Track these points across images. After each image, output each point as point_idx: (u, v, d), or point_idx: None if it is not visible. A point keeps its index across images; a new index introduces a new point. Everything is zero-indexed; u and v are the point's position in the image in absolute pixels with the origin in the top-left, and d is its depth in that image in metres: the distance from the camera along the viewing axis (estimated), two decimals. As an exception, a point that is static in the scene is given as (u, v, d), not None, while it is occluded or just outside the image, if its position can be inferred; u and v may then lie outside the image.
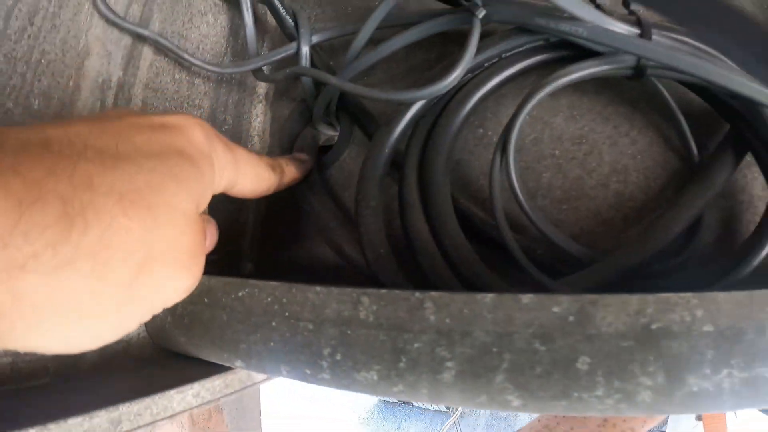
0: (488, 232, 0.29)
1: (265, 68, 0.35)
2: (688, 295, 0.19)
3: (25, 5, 0.27)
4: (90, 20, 0.29)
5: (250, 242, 0.36)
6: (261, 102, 0.38)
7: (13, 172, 0.14)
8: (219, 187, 0.23)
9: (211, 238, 0.24)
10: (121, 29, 0.30)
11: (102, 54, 0.30)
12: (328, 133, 0.36)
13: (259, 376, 0.32)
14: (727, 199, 0.31)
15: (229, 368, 0.29)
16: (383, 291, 0.22)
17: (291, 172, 0.29)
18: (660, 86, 0.29)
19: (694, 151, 0.30)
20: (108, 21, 0.30)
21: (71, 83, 0.28)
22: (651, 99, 0.30)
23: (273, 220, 0.36)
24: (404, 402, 2.07)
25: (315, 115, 0.34)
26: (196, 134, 0.21)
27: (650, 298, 0.20)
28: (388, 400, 2.11)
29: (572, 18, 0.24)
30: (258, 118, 0.38)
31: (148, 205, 0.18)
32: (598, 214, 0.30)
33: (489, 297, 0.20)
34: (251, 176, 0.25)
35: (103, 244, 0.16)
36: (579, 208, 0.30)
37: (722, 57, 0.28)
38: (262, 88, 0.38)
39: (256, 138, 0.38)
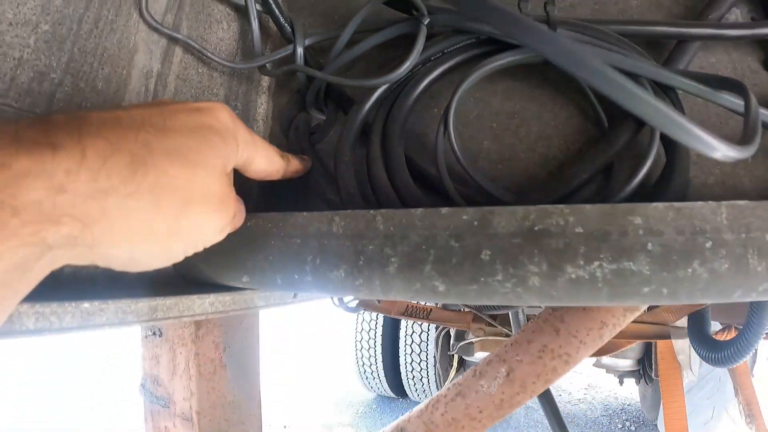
0: (438, 185, 0.40)
1: (268, 65, 0.47)
2: (562, 206, 0.30)
3: (91, 13, 0.39)
4: (137, 25, 0.41)
5: (255, 203, 0.47)
6: (265, 92, 0.50)
7: (98, 136, 0.23)
8: (241, 158, 0.32)
9: (240, 215, 0.34)
10: (160, 33, 0.42)
11: (146, 51, 0.42)
12: (319, 117, 0.48)
13: (258, 302, 0.42)
14: (637, 157, 0.41)
15: (237, 289, 0.39)
16: (349, 211, 0.32)
17: (295, 164, 0.38)
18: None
19: (604, 120, 0.40)
20: (150, 26, 0.42)
21: (124, 72, 0.40)
22: (569, 81, 0.41)
23: (274, 185, 0.47)
24: (401, 396, 2.15)
25: (307, 102, 0.46)
26: (223, 115, 0.31)
27: (532, 208, 0.30)
28: (386, 395, 2.19)
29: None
30: (262, 105, 0.50)
31: (188, 161, 0.27)
32: (527, 171, 0.41)
33: (419, 210, 0.31)
34: (265, 157, 0.34)
35: (157, 185, 0.25)
36: (512, 167, 0.41)
37: (619, 46, 0.39)
38: (265, 81, 0.50)
39: (260, 121, 0.49)
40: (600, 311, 0.41)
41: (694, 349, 0.73)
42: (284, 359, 3.62)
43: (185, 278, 0.42)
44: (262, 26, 0.49)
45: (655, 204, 0.29)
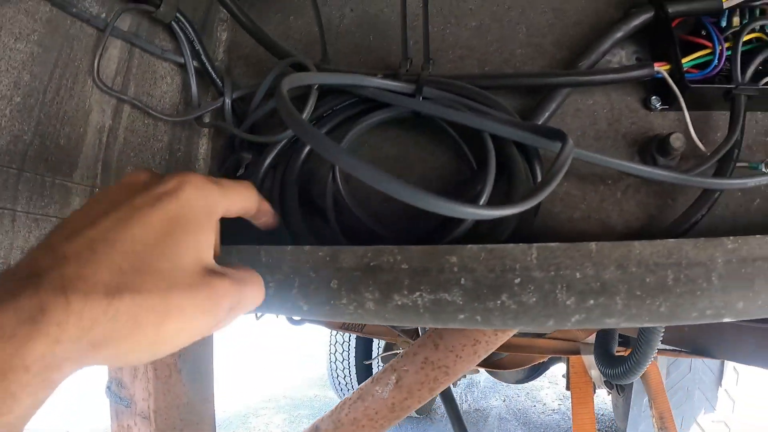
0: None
1: (204, 116, 0.61)
2: (392, 246, 0.42)
3: (53, 84, 0.54)
4: (91, 90, 0.56)
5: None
6: (205, 136, 0.65)
7: (77, 277, 0.29)
8: (222, 213, 0.38)
9: (247, 298, 0.38)
10: (110, 95, 0.57)
11: (99, 110, 0.57)
12: (248, 157, 0.62)
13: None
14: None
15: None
16: (242, 246, 0.46)
17: (267, 204, 0.45)
18: (442, 123, 0.52)
19: (474, 163, 0.53)
20: (102, 90, 0.57)
21: (82, 129, 0.56)
22: (445, 131, 0.54)
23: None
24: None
25: (236, 146, 0.60)
26: (190, 194, 0.34)
27: (370, 248, 0.43)
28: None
29: (361, 85, 0.49)
30: (203, 147, 0.64)
31: (159, 271, 0.31)
32: (408, 209, 0.53)
33: (289, 247, 0.44)
34: (239, 197, 0.41)
35: (134, 304, 0.30)
36: (396, 206, 0.54)
37: (479, 100, 0.51)
38: (206, 119, 0.65)
39: (201, 161, 0.64)
40: (473, 330, 0.53)
41: (596, 364, 0.83)
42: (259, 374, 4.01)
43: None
44: (203, 79, 0.64)
45: (470, 246, 0.41)
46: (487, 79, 0.52)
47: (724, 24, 0.60)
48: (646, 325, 0.42)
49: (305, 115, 0.51)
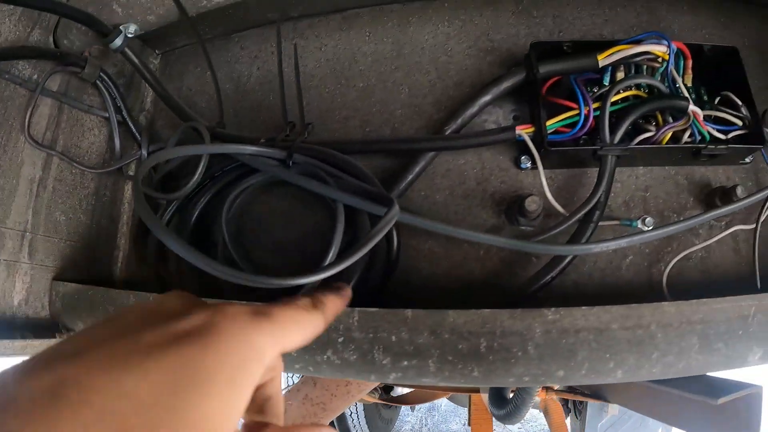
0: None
1: (132, 164, 0.75)
2: (238, 301, 0.55)
3: (-9, 142, 0.68)
4: (24, 146, 0.70)
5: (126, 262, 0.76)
6: (130, 182, 0.78)
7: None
8: (276, 355, 0.30)
9: None
10: (40, 150, 0.71)
11: (30, 163, 0.71)
12: (164, 203, 0.75)
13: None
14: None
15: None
16: (134, 291, 0.59)
17: (333, 303, 0.37)
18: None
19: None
20: (32, 146, 0.70)
21: (14, 181, 0.69)
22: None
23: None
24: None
25: (154, 196, 0.73)
26: (223, 334, 0.26)
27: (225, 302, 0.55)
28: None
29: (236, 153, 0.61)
30: (128, 191, 0.78)
31: None
32: (289, 259, 0.66)
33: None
34: (294, 332, 0.32)
35: None
36: (283, 257, 0.66)
37: (342, 167, 0.62)
38: (131, 171, 0.78)
39: (126, 204, 0.78)
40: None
41: (488, 404, 0.94)
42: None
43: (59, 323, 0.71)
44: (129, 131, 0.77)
45: None
46: (354, 145, 0.63)
47: (607, 81, 0.69)
48: (462, 386, 0.52)
49: (197, 176, 0.63)
